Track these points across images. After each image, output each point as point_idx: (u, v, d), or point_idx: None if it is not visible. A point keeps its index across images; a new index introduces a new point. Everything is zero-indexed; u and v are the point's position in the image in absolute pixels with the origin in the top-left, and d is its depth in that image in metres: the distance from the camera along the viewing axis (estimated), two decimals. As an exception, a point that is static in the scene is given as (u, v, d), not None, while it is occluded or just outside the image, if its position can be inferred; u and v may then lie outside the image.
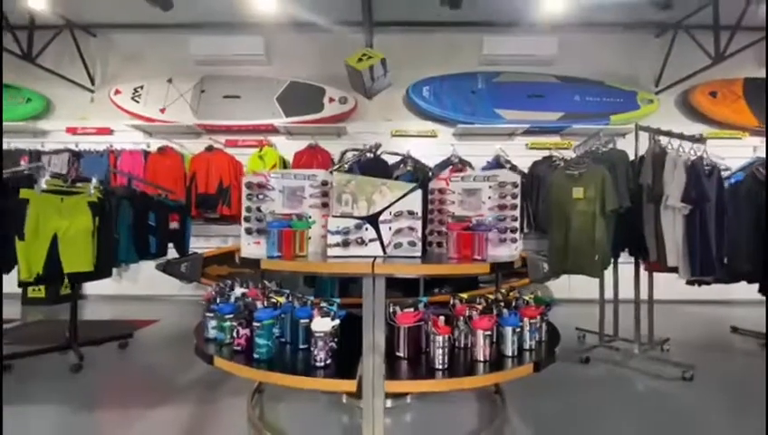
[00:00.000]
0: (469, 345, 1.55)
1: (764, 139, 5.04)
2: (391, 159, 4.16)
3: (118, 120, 4.86)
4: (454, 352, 1.53)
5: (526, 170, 4.70)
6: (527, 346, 1.57)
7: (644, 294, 2.82)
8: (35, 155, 4.70)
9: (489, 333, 1.47)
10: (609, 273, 2.91)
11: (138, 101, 4.80)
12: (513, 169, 4.68)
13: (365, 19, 4.35)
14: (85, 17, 4.76)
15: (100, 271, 2.38)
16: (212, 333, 1.65)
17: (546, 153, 4.75)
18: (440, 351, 1.38)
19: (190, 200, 4.38)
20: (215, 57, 4.81)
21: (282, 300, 1.65)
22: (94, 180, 2.45)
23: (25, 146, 4.80)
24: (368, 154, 3.26)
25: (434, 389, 1.49)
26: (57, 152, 4.71)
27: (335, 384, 1.34)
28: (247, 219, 1.88)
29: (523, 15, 4.42)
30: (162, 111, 4.76)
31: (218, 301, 1.69)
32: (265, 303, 1.62)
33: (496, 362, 1.45)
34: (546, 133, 4.97)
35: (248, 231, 1.88)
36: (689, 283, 2.96)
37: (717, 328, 3.68)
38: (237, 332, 1.53)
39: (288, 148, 4.78)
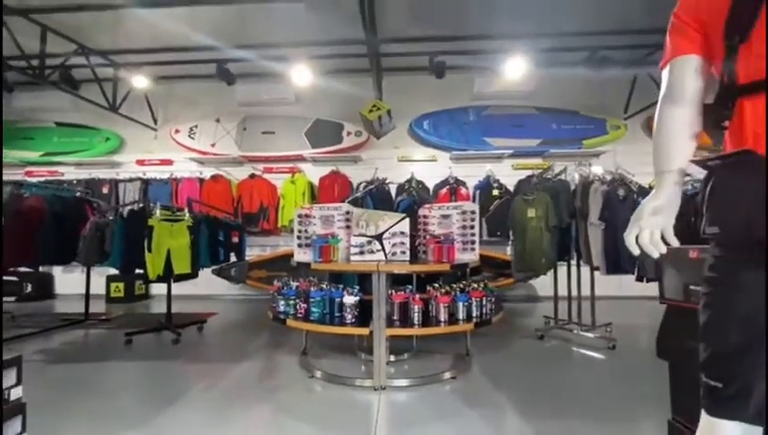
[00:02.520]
0: (436, 313, 2.54)
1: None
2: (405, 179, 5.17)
3: (177, 153, 6.04)
4: (428, 316, 2.53)
5: (512, 187, 5.64)
6: (474, 314, 2.55)
7: (616, 291, 3.64)
8: (114, 183, 5.90)
9: (447, 305, 2.47)
10: (564, 273, 3.84)
11: (193, 138, 5.97)
12: (500, 187, 5.65)
13: (373, 67, 5.37)
14: (152, 71, 5.94)
15: (194, 273, 3.46)
16: (282, 308, 2.69)
17: (529, 172, 5.65)
18: (416, 314, 2.39)
19: (238, 218, 5.47)
20: (254, 101, 5.93)
21: (324, 286, 2.68)
22: (187, 211, 3.54)
23: (105, 176, 6.01)
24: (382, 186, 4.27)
25: (411, 333, 2.50)
26: (131, 180, 5.91)
27: (358, 330, 2.36)
28: (299, 237, 2.93)
29: (506, 58, 5.35)
30: (213, 145, 5.91)
31: (284, 289, 2.73)
32: (315, 288, 2.65)
33: (451, 322, 2.45)
34: (529, 156, 5.90)
35: (299, 245, 2.93)
36: (638, 279, 3.83)
37: (664, 317, 4.52)
38: (299, 305, 2.57)
39: (314, 173, 5.86)
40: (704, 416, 0.90)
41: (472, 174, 5.82)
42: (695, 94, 0.98)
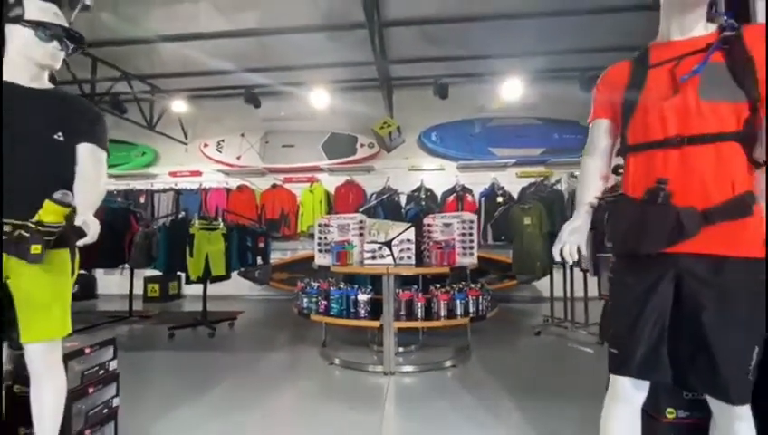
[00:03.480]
0: (437, 309, 2.94)
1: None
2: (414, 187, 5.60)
3: (206, 165, 6.60)
4: (430, 312, 2.94)
5: (516, 194, 5.97)
6: (470, 310, 2.95)
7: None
8: (149, 194, 6.48)
9: (446, 302, 2.87)
10: (560, 276, 4.18)
11: (220, 151, 6.52)
12: (504, 194, 6.00)
13: (383, 86, 5.80)
14: (183, 92, 6.52)
15: (228, 275, 3.96)
16: (305, 305, 3.14)
17: (533, 180, 5.98)
18: (420, 309, 2.81)
19: (262, 225, 5.97)
20: (275, 117, 6.44)
21: (341, 286, 3.12)
22: (221, 221, 4.03)
23: (141, 187, 6.60)
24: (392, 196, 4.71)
25: (416, 325, 2.92)
26: (164, 191, 6.48)
27: (370, 323, 2.80)
28: (319, 244, 3.38)
29: (510, 71, 5.70)
30: (238, 158, 6.44)
31: (308, 288, 3.18)
32: (334, 288, 3.09)
33: (450, 316, 2.85)
34: (532, 165, 6.23)
35: (320, 250, 3.38)
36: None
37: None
38: (320, 302, 3.01)
39: (331, 182, 6.33)
40: (611, 376, 1.29)
41: (478, 182, 6.18)
42: (604, 149, 1.37)
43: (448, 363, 3.03)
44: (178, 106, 5.81)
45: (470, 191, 6.06)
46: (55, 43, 1.49)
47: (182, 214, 4.20)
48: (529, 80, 5.35)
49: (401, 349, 3.32)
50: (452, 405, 2.45)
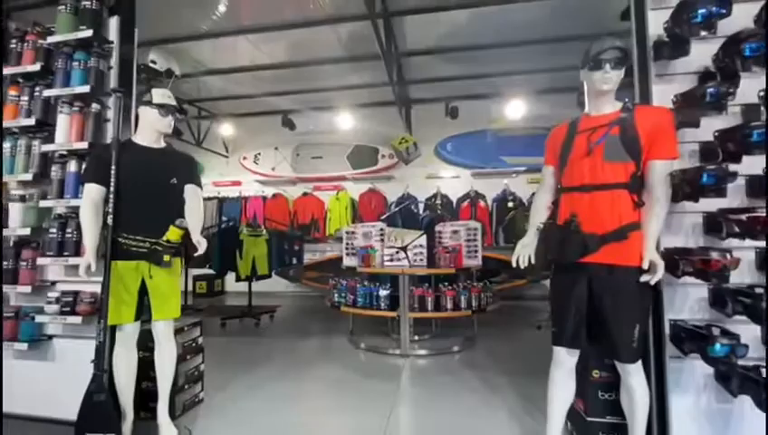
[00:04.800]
0: (444, 303, 3.53)
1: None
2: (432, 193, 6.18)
3: (244, 175, 7.40)
4: (439, 305, 3.54)
5: (526, 200, 6.44)
6: (473, 304, 3.52)
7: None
8: (196, 201, 7.33)
9: (452, 297, 3.46)
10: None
11: (257, 163, 7.29)
12: (515, 199, 6.48)
13: (400, 100, 6.38)
14: (223, 109, 7.33)
15: (270, 274, 4.68)
16: (336, 299, 3.81)
17: (542, 186, 6.42)
18: (430, 303, 3.41)
19: (294, 229, 6.70)
20: (305, 131, 7.14)
21: (366, 284, 3.76)
22: (263, 228, 4.76)
23: (189, 195, 7.46)
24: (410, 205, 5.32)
25: (426, 316, 3.54)
26: (209, 199, 7.31)
27: (389, 314, 3.43)
28: (347, 248, 4.03)
29: (519, 87, 6.17)
30: (273, 169, 7.20)
31: (338, 285, 3.84)
32: (360, 285, 3.73)
33: (455, 309, 3.44)
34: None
35: (347, 254, 4.02)
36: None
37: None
38: (349, 297, 3.67)
39: (355, 190, 6.98)
40: (553, 347, 1.86)
41: (490, 188, 6.66)
42: (550, 187, 1.93)
43: (455, 349, 3.62)
44: (226, 130, 6.64)
45: (483, 197, 6.56)
46: (170, 117, 2.18)
47: (230, 222, 4.95)
48: (537, 93, 5.81)
49: (416, 337, 3.93)
50: (456, 380, 3.04)
